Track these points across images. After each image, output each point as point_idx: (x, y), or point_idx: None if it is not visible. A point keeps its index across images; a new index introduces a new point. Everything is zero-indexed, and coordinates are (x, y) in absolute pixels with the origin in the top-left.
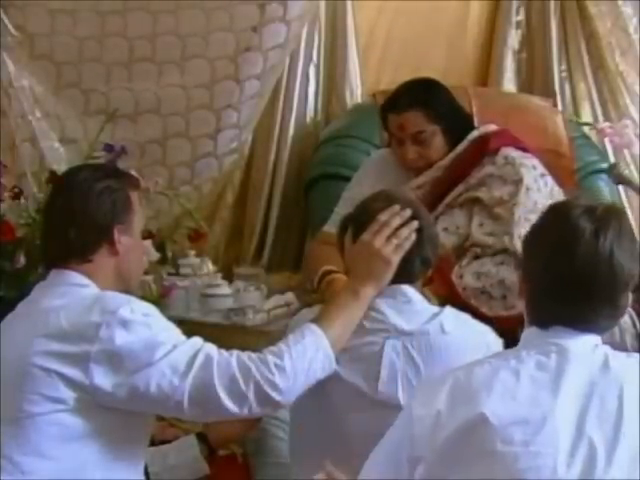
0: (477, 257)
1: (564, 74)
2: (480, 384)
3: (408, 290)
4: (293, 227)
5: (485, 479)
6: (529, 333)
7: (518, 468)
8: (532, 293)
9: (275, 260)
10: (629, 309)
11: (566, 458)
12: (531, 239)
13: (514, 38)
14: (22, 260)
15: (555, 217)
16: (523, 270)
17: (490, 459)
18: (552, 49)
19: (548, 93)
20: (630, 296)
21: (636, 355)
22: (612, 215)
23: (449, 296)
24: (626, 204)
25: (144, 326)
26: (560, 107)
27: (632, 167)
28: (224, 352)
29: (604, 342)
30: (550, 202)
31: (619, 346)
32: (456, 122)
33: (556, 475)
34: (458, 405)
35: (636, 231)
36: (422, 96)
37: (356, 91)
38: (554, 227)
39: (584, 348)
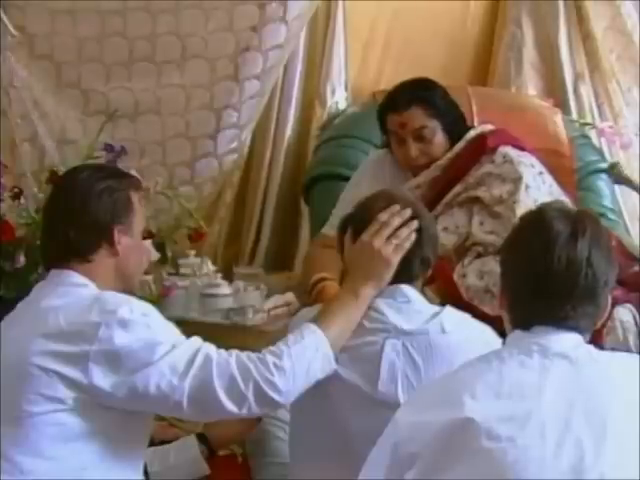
0: (479, 256)
1: (565, 74)
2: (464, 387)
3: (408, 290)
4: (291, 227)
5: (475, 476)
6: (511, 336)
7: (506, 462)
8: (513, 299)
9: (273, 260)
10: (632, 308)
11: (553, 450)
12: (508, 249)
13: (514, 38)
14: (22, 260)
15: (531, 224)
16: (502, 281)
17: (478, 456)
18: (552, 49)
19: (548, 93)
20: (609, 297)
21: (621, 354)
22: (587, 218)
23: (451, 296)
24: (625, 204)
25: (143, 326)
26: (577, 107)
27: (631, 167)
28: (223, 352)
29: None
30: (549, 199)
31: (622, 345)
32: (455, 119)
33: (544, 467)
34: (443, 409)
35: (636, 231)
36: (421, 93)
37: (337, 92)
38: (531, 233)
39: (566, 346)
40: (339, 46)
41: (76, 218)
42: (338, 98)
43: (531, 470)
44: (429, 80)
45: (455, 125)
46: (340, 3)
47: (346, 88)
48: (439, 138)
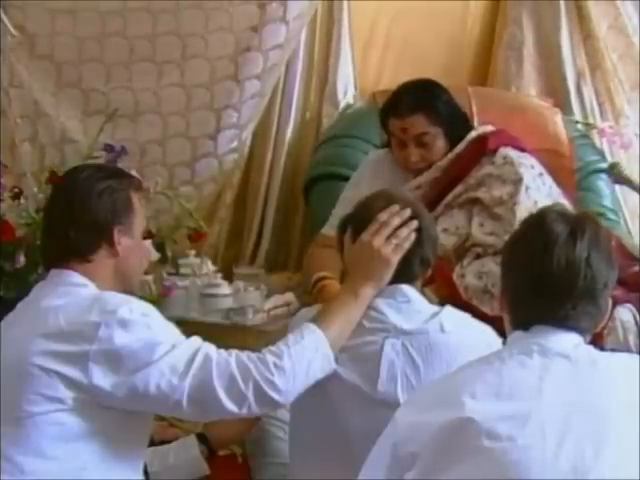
0: (478, 257)
1: (567, 74)
2: (464, 387)
3: (407, 290)
4: (291, 227)
5: (476, 475)
6: (512, 337)
7: (507, 461)
8: (513, 300)
9: (273, 260)
10: (632, 308)
11: (554, 450)
12: (509, 250)
13: (514, 38)
14: (22, 260)
15: (531, 226)
16: (502, 282)
17: (478, 456)
18: (552, 49)
19: (549, 93)
20: (610, 299)
21: (621, 354)
22: (587, 219)
23: (450, 296)
24: (625, 204)
25: (143, 326)
26: (577, 107)
27: (631, 167)
28: (223, 352)
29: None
30: (549, 201)
31: (622, 346)
32: (457, 123)
33: (545, 467)
34: (443, 409)
35: (636, 231)
36: (425, 99)
37: (349, 91)
38: (531, 235)
39: (566, 346)
40: (346, 46)
41: (76, 218)
42: (349, 98)
43: (532, 470)
44: (433, 83)
45: (457, 130)
46: (345, 3)
47: (355, 88)
48: (440, 143)
